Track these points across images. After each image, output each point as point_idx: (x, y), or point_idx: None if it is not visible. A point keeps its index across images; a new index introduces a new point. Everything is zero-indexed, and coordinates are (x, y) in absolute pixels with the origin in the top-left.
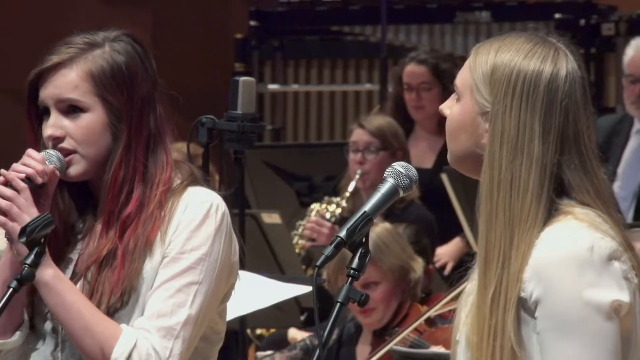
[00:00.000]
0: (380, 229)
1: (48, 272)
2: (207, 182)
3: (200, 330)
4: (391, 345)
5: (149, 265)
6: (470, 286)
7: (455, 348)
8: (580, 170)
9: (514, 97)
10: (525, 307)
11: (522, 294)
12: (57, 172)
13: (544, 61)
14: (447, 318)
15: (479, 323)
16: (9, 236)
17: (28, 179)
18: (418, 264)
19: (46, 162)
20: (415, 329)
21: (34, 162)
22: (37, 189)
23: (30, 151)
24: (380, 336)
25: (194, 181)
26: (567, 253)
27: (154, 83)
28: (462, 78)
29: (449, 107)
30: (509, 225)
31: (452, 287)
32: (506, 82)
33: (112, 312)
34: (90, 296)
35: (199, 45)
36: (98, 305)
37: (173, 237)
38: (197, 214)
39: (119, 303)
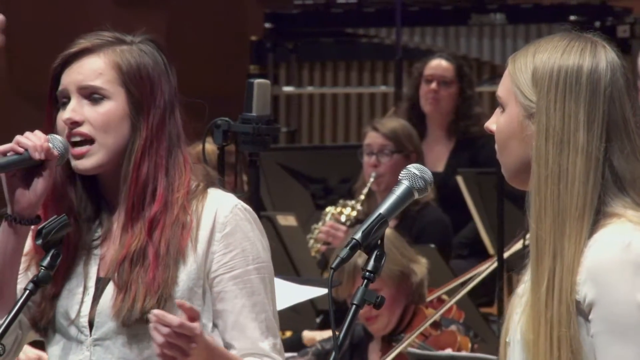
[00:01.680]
0: None
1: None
2: (221, 183)
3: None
4: (397, 351)
5: (183, 273)
6: (523, 287)
7: (505, 350)
8: (631, 155)
9: (557, 91)
10: (579, 310)
11: (577, 297)
12: (56, 153)
13: (582, 54)
14: (453, 319)
15: (534, 320)
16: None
17: (26, 152)
18: (420, 266)
19: (49, 144)
20: (421, 333)
21: (35, 137)
22: (33, 169)
23: (37, 131)
24: (389, 342)
25: (211, 182)
26: (621, 256)
27: (174, 91)
28: (504, 87)
29: (494, 122)
30: (558, 217)
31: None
32: (548, 79)
33: (146, 318)
34: (124, 293)
35: (214, 48)
36: (132, 304)
37: (223, 250)
38: (238, 223)
39: (155, 309)
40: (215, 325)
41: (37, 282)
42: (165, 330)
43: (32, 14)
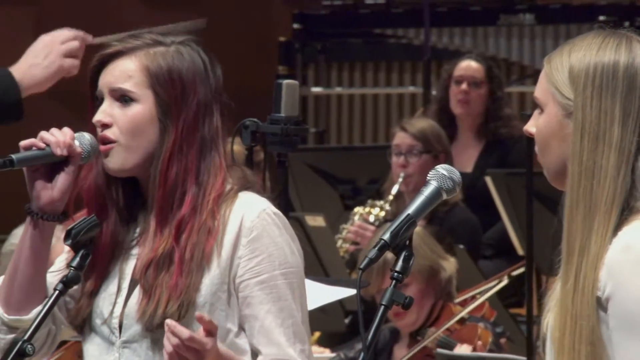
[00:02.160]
0: None
1: None
2: (258, 185)
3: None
4: (422, 345)
5: (206, 279)
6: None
7: (544, 348)
8: None
9: (594, 88)
10: (600, 305)
11: (598, 293)
12: (78, 150)
13: (617, 50)
14: (484, 317)
15: (561, 317)
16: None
17: (48, 147)
18: (449, 263)
19: (75, 141)
20: (447, 329)
21: (59, 133)
22: (57, 165)
23: (65, 127)
24: (415, 338)
25: (245, 186)
26: (638, 253)
27: (214, 92)
28: (541, 88)
29: (533, 124)
30: (589, 213)
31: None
32: (585, 76)
33: None
34: (148, 298)
35: (243, 49)
36: (155, 309)
37: (249, 255)
38: (265, 227)
39: (177, 315)
40: (242, 329)
41: (66, 283)
42: (175, 341)
43: (64, 15)
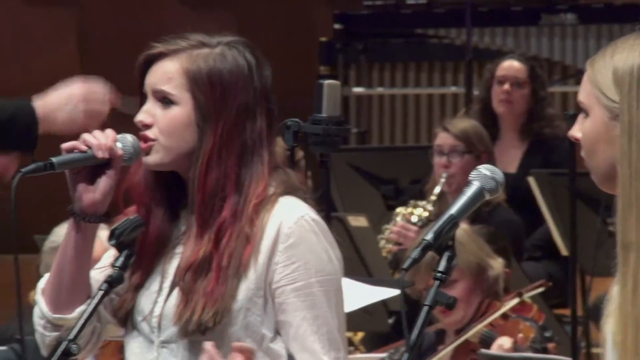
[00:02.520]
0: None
1: None
2: (301, 190)
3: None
4: (464, 338)
5: (243, 285)
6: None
7: (605, 352)
8: None
9: (639, 88)
10: None
11: None
12: (120, 152)
13: None
14: (533, 318)
15: (622, 321)
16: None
17: (90, 150)
18: (497, 262)
19: (118, 143)
20: (490, 324)
21: (102, 135)
22: (99, 168)
23: (108, 129)
24: (459, 333)
25: (287, 190)
26: None
27: (259, 95)
28: (585, 92)
29: (579, 129)
30: None
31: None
32: (629, 77)
33: (203, 330)
34: (185, 303)
35: (284, 49)
36: (191, 315)
37: (285, 261)
38: (302, 234)
39: (211, 322)
40: (278, 334)
41: (110, 283)
42: None
43: (105, 16)
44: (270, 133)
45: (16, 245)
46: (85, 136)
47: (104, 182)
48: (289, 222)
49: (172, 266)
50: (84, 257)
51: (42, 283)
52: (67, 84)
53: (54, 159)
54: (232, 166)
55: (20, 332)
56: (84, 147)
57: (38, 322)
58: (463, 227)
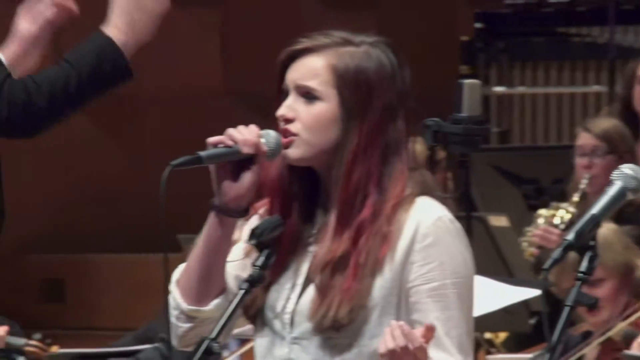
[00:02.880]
0: (602, 228)
1: None
2: (436, 191)
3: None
4: (606, 337)
5: (379, 283)
6: None
7: None
8: None
9: None
10: None
11: None
12: (264, 148)
13: None
14: None
15: None
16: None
17: (235, 145)
18: None
19: (262, 138)
20: (634, 323)
21: (247, 131)
22: (243, 163)
23: (251, 125)
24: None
25: (423, 190)
26: None
27: (400, 95)
28: None
29: None
30: None
31: None
32: None
33: (337, 327)
34: (321, 299)
35: (425, 48)
36: (327, 311)
37: (421, 261)
38: (440, 235)
39: (347, 319)
40: None
41: (252, 282)
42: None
43: (247, 15)
44: (408, 135)
45: (165, 242)
46: (231, 131)
47: (247, 178)
48: (427, 222)
49: (305, 264)
50: (222, 251)
51: (177, 274)
52: None
53: (202, 153)
54: (375, 164)
55: (168, 331)
56: (229, 142)
57: (171, 312)
58: (610, 226)
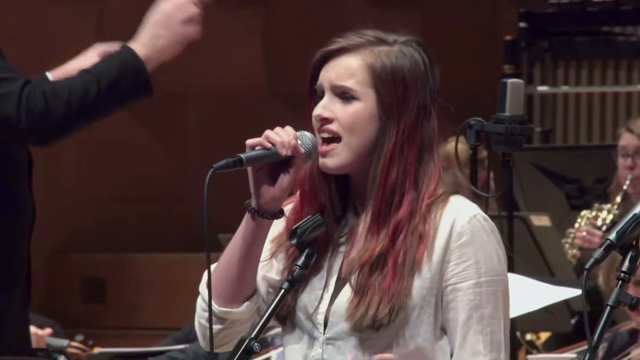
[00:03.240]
0: None
1: None
2: (469, 191)
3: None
4: None
5: (417, 283)
6: None
7: None
8: None
9: None
10: None
11: None
12: (302, 150)
13: None
14: None
15: None
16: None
17: (273, 147)
18: None
19: (298, 140)
20: None
21: (284, 133)
22: (280, 164)
23: (287, 127)
24: None
25: (455, 189)
26: None
27: (432, 94)
28: None
29: None
30: None
31: None
32: None
33: (377, 327)
34: (360, 298)
35: (469, 48)
36: (366, 310)
37: (457, 260)
38: (475, 233)
39: (387, 319)
40: (444, 331)
41: (292, 281)
42: None
43: (290, 15)
44: (440, 133)
45: (207, 243)
46: (269, 133)
47: (285, 180)
48: (462, 220)
49: (337, 264)
50: (255, 253)
51: (206, 276)
52: (149, 13)
53: (242, 155)
54: (412, 162)
55: (210, 333)
56: (268, 144)
57: (201, 314)
58: None
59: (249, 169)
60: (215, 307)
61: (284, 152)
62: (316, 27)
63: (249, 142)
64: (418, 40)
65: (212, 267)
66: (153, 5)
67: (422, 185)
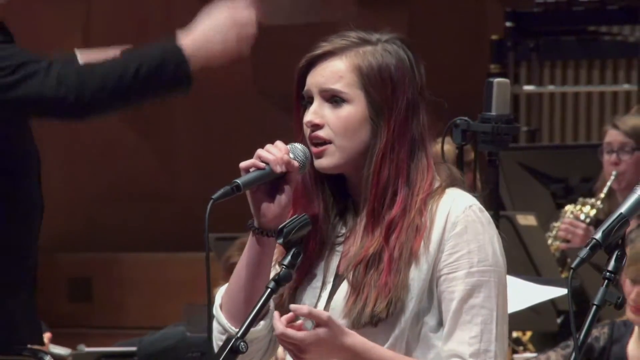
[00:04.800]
0: None
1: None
2: (464, 183)
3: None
4: None
5: (415, 274)
6: None
7: None
8: None
9: None
10: None
11: None
12: (296, 164)
13: None
14: None
15: None
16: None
17: (267, 166)
18: None
19: (290, 154)
20: None
21: (276, 150)
22: (276, 181)
23: (277, 142)
24: None
25: (452, 182)
26: None
27: (420, 90)
28: None
29: None
30: None
31: None
32: None
33: (375, 322)
34: (356, 296)
35: (455, 47)
36: (363, 307)
37: (450, 250)
38: (469, 223)
39: (384, 313)
40: (440, 324)
41: (278, 281)
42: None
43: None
44: (430, 128)
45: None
46: (261, 152)
47: (284, 196)
48: (457, 211)
49: (334, 262)
50: (264, 272)
51: (219, 298)
52: (210, 13)
53: (239, 180)
54: (403, 160)
55: (208, 329)
56: (261, 164)
57: (219, 337)
58: None
59: (248, 192)
60: (232, 329)
61: (278, 169)
62: (305, 25)
63: (242, 165)
64: (400, 38)
65: (223, 288)
66: (213, 4)
67: (415, 181)
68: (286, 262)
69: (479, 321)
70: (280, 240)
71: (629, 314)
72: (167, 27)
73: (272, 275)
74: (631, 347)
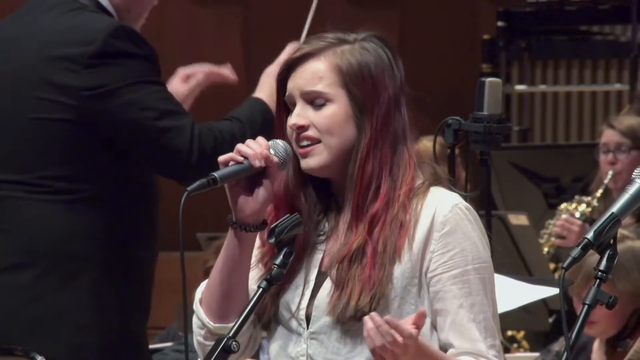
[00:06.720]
0: (625, 248)
1: None
2: (450, 182)
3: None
4: None
5: (398, 271)
6: None
7: None
8: None
9: None
10: None
11: None
12: (275, 159)
13: None
14: None
15: None
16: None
17: (246, 160)
18: None
19: (271, 150)
20: None
21: (256, 145)
22: (255, 177)
23: (259, 137)
24: (614, 346)
25: (435, 180)
26: None
27: (400, 86)
28: None
29: None
30: None
31: None
32: None
33: (359, 316)
34: (340, 291)
35: (447, 46)
36: (348, 301)
37: (442, 249)
38: (458, 222)
39: (368, 307)
40: (432, 323)
41: (270, 280)
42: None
43: (269, 15)
44: (411, 123)
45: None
46: (240, 147)
47: (262, 191)
48: (444, 210)
49: (316, 260)
50: (244, 266)
51: (199, 293)
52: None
53: (216, 174)
54: (386, 154)
55: (185, 329)
56: (240, 158)
57: (198, 332)
58: (633, 247)
59: (226, 186)
60: (210, 323)
61: (257, 163)
62: (296, 24)
63: (221, 158)
64: (377, 35)
65: (204, 283)
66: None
67: (397, 175)
68: (278, 261)
69: (481, 318)
70: (272, 240)
71: (586, 330)
72: (160, 29)
73: (256, 273)
74: (595, 356)
